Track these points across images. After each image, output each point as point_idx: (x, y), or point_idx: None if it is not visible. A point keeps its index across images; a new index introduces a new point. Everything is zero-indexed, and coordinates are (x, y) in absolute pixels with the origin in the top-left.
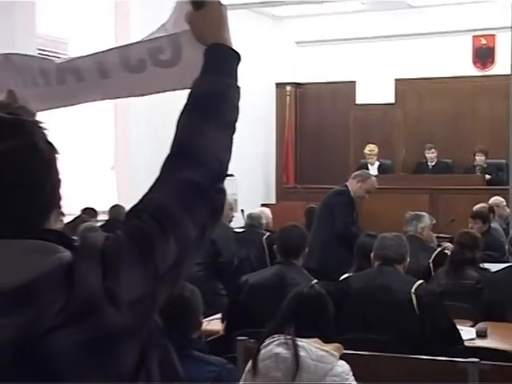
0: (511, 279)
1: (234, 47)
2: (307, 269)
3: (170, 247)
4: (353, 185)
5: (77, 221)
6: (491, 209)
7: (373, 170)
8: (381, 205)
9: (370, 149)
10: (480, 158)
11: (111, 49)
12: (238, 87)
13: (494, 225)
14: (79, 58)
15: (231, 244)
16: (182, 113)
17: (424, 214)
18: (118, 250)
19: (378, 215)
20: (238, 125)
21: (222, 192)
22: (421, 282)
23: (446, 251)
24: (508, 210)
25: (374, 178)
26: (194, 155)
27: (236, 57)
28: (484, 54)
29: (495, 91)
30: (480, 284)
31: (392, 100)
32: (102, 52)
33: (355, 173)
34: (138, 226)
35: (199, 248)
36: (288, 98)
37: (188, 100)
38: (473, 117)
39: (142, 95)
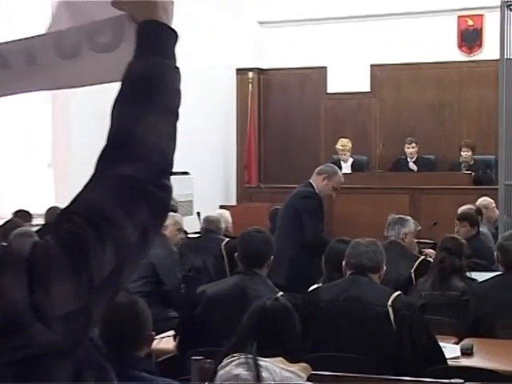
0: (500, 290)
1: (185, 28)
2: (274, 285)
3: (106, 254)
4: (318, 182)
5: (8, 225)
6: (479, 211)
7: (346, 167)
8: (354, 207)
9: (343, 143)
10: (466, 154)
11: (47, 33)
12: (177, 68)
13: (482, 229)
14: (8, 42)
15: (176, 269)
16: (116, 100)
17: (409, 218)
18: (47, 259)
19: (351, 218)
20: (193, 117)
21: (167, 189)
22: (398, 293)
23: (429, 259)
24: (497, 212)
25: (340, 173)
26: (132, 147)
27: (172, 35)
28: (471, 37)
29: (483, 78)
30: (466, 296)
31: (367, 88)
32: (35, 36)
33: (319, 168)
34: (70, 230)
35: (140, 254)
36: (250, 85)
37: (122, 86)
38: (458, 107)
39: (73, 87)
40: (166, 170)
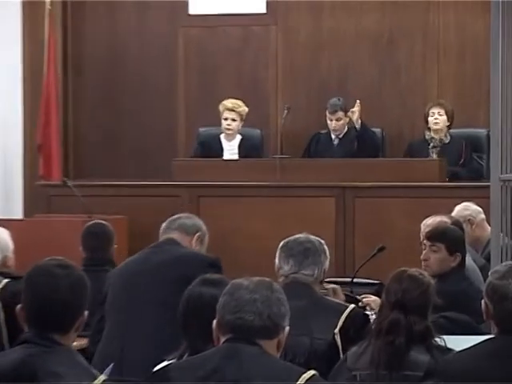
0: (492, 366)
1: None
2: None
3: None
4: (186, 245)
5: None
6: (457, 225)
7: (231, 149)
8: (239, 220)
9: (234, 105)
10: (437, 122)
11: None
12: None
13: (467, 258)
14: None
15: None
16: None
17: (322, 241)
18: None
19: (232, 241)
20: None
21: None
22: (312, 373)
23: (369, 312)
24: (489, 229)
25: None
26: None
27: None
28: None
29: None
30: (433, 377)
31: (262, 9)
32: None
33: (182, 222)
34: None
35: None
36: (47, 10)
37: None
38: (423, 45)
39: None
40: None
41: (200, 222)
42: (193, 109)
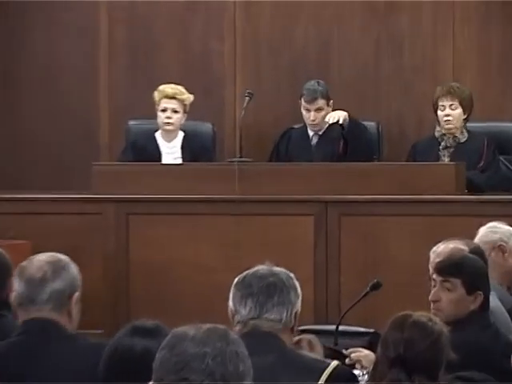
0: None
1: None
2: None
3: None
4: (67, 317)
5: None
6: (479, 255)
7: (170, 152)
8: (183, 245)
9: (167, 93)
10: (449, 122)
11: None
12: None
13: (491, 298)
14: None
15: None
16: None
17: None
18: None
19: (170, 272)
20: None
21: None
22: None
23: (359, 372)
24: None
25: None
26: None
27: None
28: None
29: None
30: None
31: None
32: None
33: (53, 283)
34: None
35: None
36: None
37: None
38: (433, 12)
39: None
40: None
41: (73, 270)
42: (119, 97)
